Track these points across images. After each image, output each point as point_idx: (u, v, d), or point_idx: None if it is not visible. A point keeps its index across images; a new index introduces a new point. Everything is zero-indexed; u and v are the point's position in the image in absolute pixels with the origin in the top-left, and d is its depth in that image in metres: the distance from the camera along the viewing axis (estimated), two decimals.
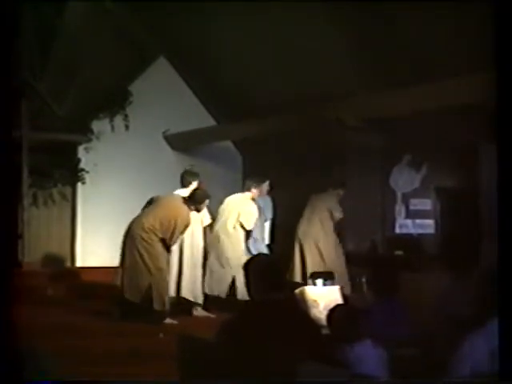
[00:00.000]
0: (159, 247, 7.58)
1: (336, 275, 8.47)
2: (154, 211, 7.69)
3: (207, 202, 7.92)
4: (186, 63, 11.95)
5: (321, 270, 8.70)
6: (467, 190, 11.07)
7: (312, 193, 9.52)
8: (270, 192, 9.33)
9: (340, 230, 9.34)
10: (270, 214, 9.16)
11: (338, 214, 9.23)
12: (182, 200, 7.76)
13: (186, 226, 7.69)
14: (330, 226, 9.22)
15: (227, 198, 8.75)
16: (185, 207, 7.70)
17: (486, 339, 3.28)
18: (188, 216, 7.71)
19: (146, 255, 7.51)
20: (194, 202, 7.77)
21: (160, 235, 7.54)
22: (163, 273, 7.56)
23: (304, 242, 9.18)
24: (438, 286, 6.31)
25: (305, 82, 10.02)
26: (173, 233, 7.56)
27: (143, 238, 7.52)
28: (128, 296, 7.50)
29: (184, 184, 8.27)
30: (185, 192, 8.10)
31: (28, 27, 10.03)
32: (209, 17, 10.24)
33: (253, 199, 8.69)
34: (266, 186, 9.07)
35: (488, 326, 3.32)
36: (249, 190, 8.70)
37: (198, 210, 7.88)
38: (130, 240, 7.60)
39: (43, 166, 11.04)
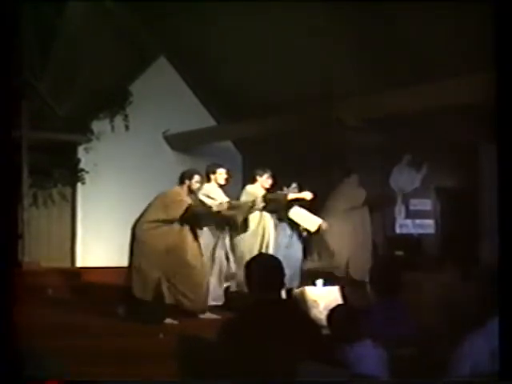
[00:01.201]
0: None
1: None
2: (151, 204, 7.70)
3: (198, 178, 7.66)
4: (186, 63, 11.95)
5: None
6: (467, 190, 11.08)
7: (328, 194, 9.38)
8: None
9: (370, 206, 9.11)
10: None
11: (357, 200, 9.02)
12: (174, 188, 7.72)
13: (182, 201, 7.53)
14: (353, 219, 9.05)
15: (245, 188, 8.54)
16: (175, 186, 7.66)
17: (486, 339, 3.28)
18: (177, 190, 7.59)
19: (151, 250, 7.51)
20: (183, 179, 7.67)
21: (164, 216, 7.50)
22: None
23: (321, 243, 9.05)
24: (438, 285, 6.31)
25: (305, 81, 10.03)
26: (171, 208, 7.47)
27: (148, 231, 7.51)
28: (139, 295, 7.48)
29: (207, 176, 8.11)
30: (209, 185, 8.03)
31: (28, 27, 10.02)
32: (209, 17, 10.25)
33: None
34: (292, 188, 8.95)
35: (488, 326, 3.32)
36: (254, 179, 8.48)
37: (191, 190, 7.71)
38: (137, 238, 7.60)
39: (43, 166, 11.05)
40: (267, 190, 8.41)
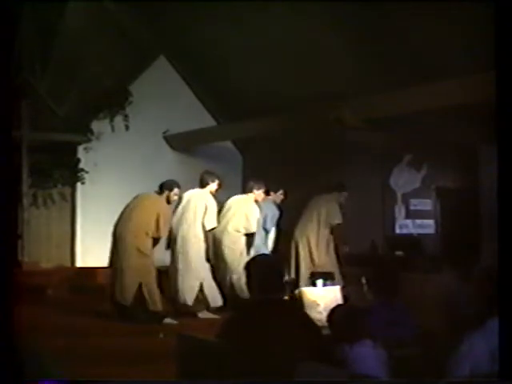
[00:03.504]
0: (149, 247, 7.62)
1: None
2: (136, 212, 7.75)
3: (176, 191, 7.87)
4: (186, 63, 11.95)
5: (311, 270, 8.67)
6: (467, 190, 11.09)
7: (313, 193, 9.43)
8: (284, 201, 9.43)
9: (337, 234, 9.11)
10: (272, 225, 9.13)
11: (336, 220, 8.99)
12: (157, 195, 7.83)
13: (169, 217, 7.77)
14: (325, 228, 9.01)
15: (230, 199, 8.74)
16: (161, 199, 7.79)
17: (486, 339, 3.28)
18: (166, 207, 7.79)
19: (136, 257, 7.56)
20: (163, 190, 7.81)
21: (149, 234, 7.58)
22: (153, 273, 7.62)
23: (299, 243, 9.11)
24: (438, 286, 6.32)
25: (305, 82, 10.02)
26: (158, 227, 7.62)
27: (131, 241, 7.57)
28: (119, 299, 7.52)
29: (202, 184, 8.25)
30: (202, 192, 8.14)
31: (28, 27, 10.03)
32: (209, 17, 10.24)
33: (256, 201, 8.68)
34: (279, 194, 9.34)
35: (488, 326, 3.32)
36: (251, 191, 8.69)
37: (169, 201, 7.85)
38: (120, 243, 7.65)
39: (43, 166, 11.04)
40: (256, 200, 8.70)
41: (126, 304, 7.47)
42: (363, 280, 4.70)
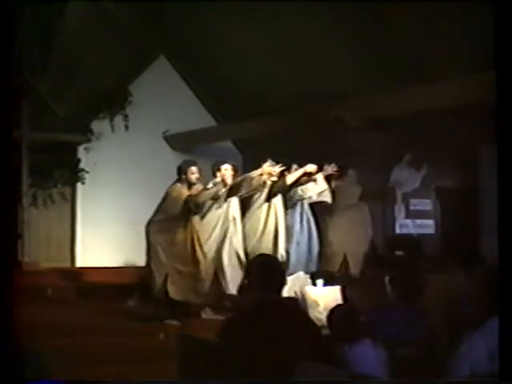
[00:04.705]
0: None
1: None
2: (159, 204, 7.74)
3: (194, 169, 7.56)
4: (186, 63, 11.95)
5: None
6: (467, 190, 11.09)
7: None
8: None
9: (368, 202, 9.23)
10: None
11: (354, 197, 9.11)
12: (178, 184, 7.69)
13: (177, 197, 7.54)
14: (351, 216, 9.09)
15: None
16: (175, 183, 7.65)
17: (486, 339, 3.28)
18: (175, 187, 7.58)
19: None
20: (179, 174, 7.64)
21: (165, 216, 7.53)
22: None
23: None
24: (438, 286, 6.32)
25: (305, 82, 10.02)
26: (170, 206, 7.53)
27: (154, 229, 7.56)
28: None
29: (214, 175, 8.08)
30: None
31: (28, 27, 10.03)
32: (209, 17, 10.24)
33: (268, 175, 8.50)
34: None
35: (488, 326, 3.32)
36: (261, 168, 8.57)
37: (190, 183, 7.60)
38: (147, 237, 7.64)
39: (43, 166, 11.05)
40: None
41: (159, 297, 7.47)
42: (386, 280, 4.69)
